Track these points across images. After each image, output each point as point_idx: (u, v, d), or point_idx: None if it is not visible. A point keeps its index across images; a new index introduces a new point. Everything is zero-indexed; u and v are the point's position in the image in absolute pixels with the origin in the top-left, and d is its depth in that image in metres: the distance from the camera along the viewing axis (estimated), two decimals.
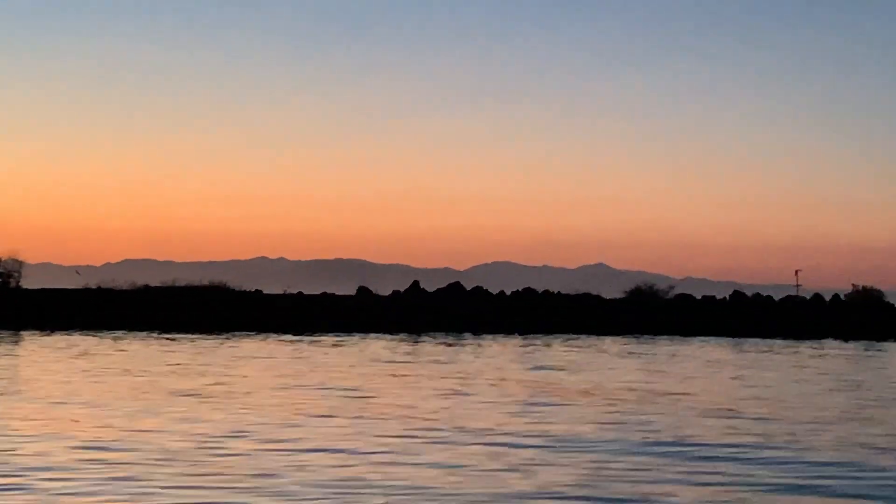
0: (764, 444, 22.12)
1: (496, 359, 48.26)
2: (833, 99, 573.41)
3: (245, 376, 37.12)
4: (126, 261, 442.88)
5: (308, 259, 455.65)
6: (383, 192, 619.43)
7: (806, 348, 62.87)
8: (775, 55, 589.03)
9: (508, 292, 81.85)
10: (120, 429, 22.74)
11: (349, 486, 16.82)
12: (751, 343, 67.62)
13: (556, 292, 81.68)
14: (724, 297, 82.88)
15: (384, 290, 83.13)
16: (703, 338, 71.77)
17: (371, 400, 29.79)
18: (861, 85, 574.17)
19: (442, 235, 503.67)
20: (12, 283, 76.63)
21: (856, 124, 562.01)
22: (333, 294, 79.99)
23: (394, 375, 38.52)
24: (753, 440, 22.64)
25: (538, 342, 62.10)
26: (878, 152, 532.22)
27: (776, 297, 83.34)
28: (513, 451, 20.68)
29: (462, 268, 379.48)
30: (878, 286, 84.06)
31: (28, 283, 77.58)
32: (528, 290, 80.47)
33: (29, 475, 17.28)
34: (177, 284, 76.16)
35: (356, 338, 63.21)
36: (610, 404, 29.34)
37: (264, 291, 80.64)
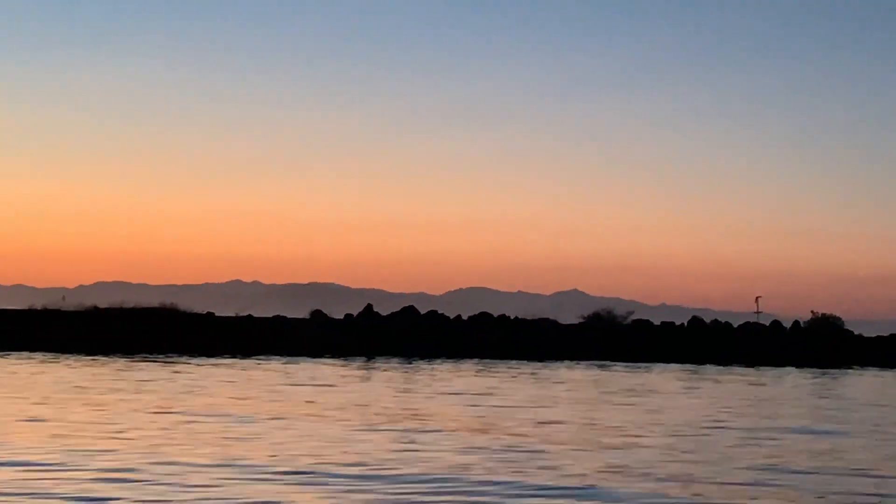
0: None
1: (378, 385, 45.32)
2: (792, 127, 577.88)
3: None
4: (99, 283, 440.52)
5: (283, 283, 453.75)
6: (359, 217, 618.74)
7: (719, 374, 61.90)
8: (738, 85, 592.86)
9: (465, 317, 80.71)
10: None
11: None
12: (707, 369, 66.85)
13: (512, 317, 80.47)
14: (682, 324, 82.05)
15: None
16: (662, 364, 71.10)
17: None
18: (820, 114, 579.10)
19: (418, 260, 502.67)
20: None
21: (815, 153, 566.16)
22: (284, 317, 78.43)
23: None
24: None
25: (479, 367, 60.81)
26: (838, 181, 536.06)
27: (736, 324, 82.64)
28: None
29: (438, 293, 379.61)
30: (837, 313, 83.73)
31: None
32: (484, 315, 79.32)
33: None
34: (124, 306, 74.54)
35: (306, 362, 61.70)
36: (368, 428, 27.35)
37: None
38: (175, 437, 24.18)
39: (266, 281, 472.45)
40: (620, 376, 56.55)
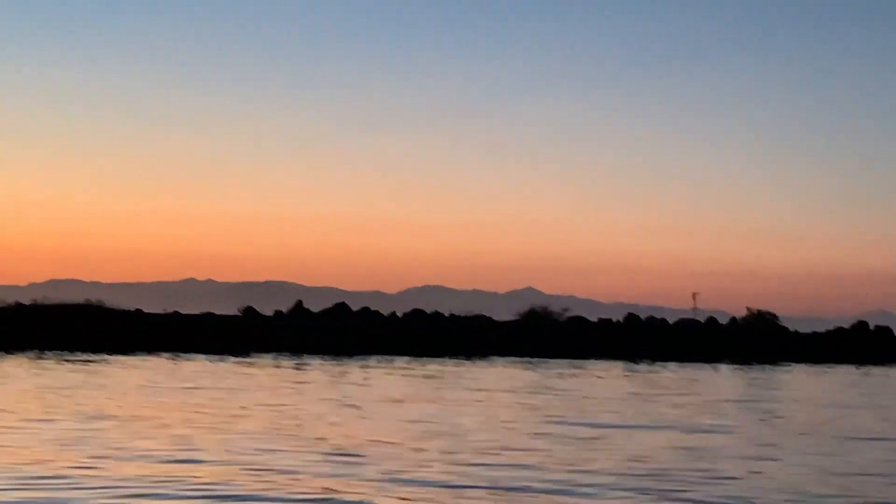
0: None
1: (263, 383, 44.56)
2: (731, 125, 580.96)
3: None
4: (51, 280, 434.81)
5: (237, 281, 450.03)
6: (315, 214, 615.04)
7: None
8: (678, 84, 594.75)
9: (400, 314, 79.88)
10: None
11: None
12: (641, 366, 66.28)
13: (447, 314, 79.69)
14: (619, 320, 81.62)
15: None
16: (596, 360, 70.46)
17: None
18: (760, 111, 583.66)
19: (373, 258, 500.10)
20: None
21: (753, 150, 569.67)
22: (213, 314, 77.18)
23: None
24: None
25: (405, 365, 59.87)
26: (775, 178, 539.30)
27: (672, 320, 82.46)
28: None
29: (393, 291, 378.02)
30: (772, 310, 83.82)
31: None
32: (417, 312, 78.50)
33: None
34: (46, 302, 72.99)
35: (233, 359, 60.41)
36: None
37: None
38: None
39: (219, 279, 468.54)
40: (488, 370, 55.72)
